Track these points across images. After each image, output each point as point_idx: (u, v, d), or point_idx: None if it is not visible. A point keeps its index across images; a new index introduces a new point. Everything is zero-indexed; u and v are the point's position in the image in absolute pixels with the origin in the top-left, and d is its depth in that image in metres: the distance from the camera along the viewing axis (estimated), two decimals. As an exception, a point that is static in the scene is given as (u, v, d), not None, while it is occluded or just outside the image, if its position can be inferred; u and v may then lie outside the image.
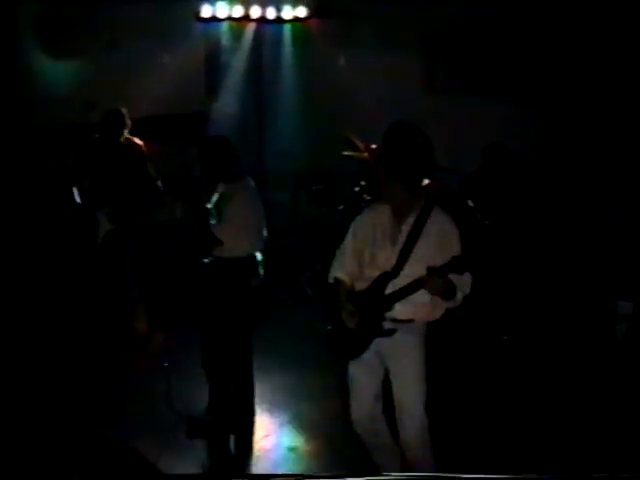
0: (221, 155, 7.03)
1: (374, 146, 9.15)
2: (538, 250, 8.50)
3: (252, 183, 7.15)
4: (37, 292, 8.94)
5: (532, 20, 9.24)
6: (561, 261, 8.70)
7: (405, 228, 5.60)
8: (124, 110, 8.33)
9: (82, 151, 8.47)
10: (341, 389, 6.20)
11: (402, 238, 5.60)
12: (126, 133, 8.34)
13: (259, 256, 7.14)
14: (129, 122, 8.33)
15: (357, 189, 9.42)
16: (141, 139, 8.47)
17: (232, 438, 7.11)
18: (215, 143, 7.16)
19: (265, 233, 7.18)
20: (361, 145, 9.43)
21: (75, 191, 8.29)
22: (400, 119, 7.26)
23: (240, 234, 6.93)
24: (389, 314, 5.61)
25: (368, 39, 10.61)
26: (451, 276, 5.39)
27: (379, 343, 5.69)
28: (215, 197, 7.07)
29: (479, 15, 9.47)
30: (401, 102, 9.86)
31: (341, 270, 5.87)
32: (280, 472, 6.55)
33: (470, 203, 8.39)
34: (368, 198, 9.08)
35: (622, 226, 8.56)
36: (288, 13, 10.98)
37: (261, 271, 7.16)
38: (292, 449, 6.88)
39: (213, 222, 6.96)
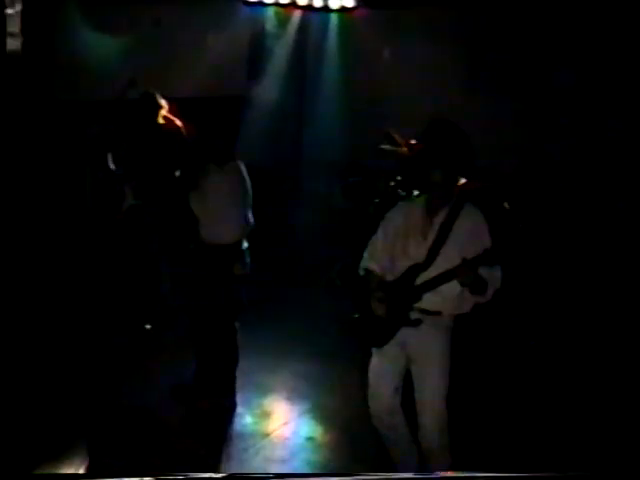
0: (217, 136, 7.00)
1: (413, 141, 9.11)
2: (568, 253, 8.42)
3: (242, 166, 7.09)
4: (57, 263, 8.99)
5: (576, 25, 9.15)
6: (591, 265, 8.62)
7: (437, 221, 5.64)
8: (157, 93, 8.32)
9: (121, 124, 8.50)
10: (361, 381, 6.17)
11: (434, 231, 5.64)
12: (162, 113, 8.33)
13: (245, 244, 7.11)
14: (163, 103, 8.32)
15: (393, 184, 9.38)
16: (182, 120, 8.46)
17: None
18: (218, 121, 7.11)
19: (251, 220, 7.11)
20: (400, 140, 9.39)
21: (110, 157, 8.33)
22: (440, 116, 7.25)
23: (223, 217, 6.89)
24: (417, 304, 5.63)
25: (414, 32, 10.54)
26: (482, 272, 5.40)
27: (405, 334, 5.69)
28: (205, 177, 7.03)
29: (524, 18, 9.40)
30: (442, 98, 9.81)
31: (372, 261, 5.88)
32: (297, 460, 6.54)
33: (506, 205, 8.34)
34: (403, 193, 9.05)
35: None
36: (335, 2, 10.93)
37: (247, 259, 7.12)
38: (309, 438, 6.86)
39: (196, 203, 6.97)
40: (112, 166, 8.33)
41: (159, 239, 8.33)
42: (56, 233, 9.34)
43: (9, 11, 9.36)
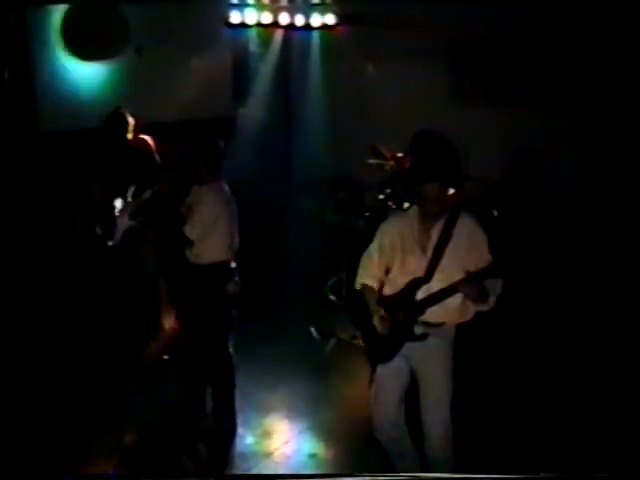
0: (202, 155, 7.02)
1: (400, 154, 9.14)
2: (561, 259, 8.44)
3: (226, 187, 7.11)
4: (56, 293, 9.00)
5: (562, 29, 9.19)
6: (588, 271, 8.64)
7: (434, 233, 5.63)
8: (125, 111, 8.35)
9: (88, 155, 8.55)
10: (361, 396, 6.19)
11: (432, 243, 5.63)
12: (130, 131, 8.35)
13: (233, 264, 7.12)
14: (132, 121, 8.35)
15: (382, 197, 9.40)
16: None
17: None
18: (200, 142, 7.12)
19: (237, 239, 7.14)
20: (387, 153, 9.42)
21: (95, 189, 8.34)
22: (426, 127, 7.28)
23: (210, 237, 6.92)
24: (420, 318, 5.63)
25: (396, 47, 10.56)
26: (485, 281, 5.42)
27: (409, 347, 5.71)
28: (189, 197, 7.05)
29: (507, 24, 9.42)
30: (428, 111, 9.83)
31: (368, 276, 5.88)
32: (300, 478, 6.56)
33: (495, 213, 8.35)
34: (393, 206, 9.07)
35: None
36: (317, 20, 10.97)
37: (236, 278, 7.13)
38: (312, 455, 6.88)
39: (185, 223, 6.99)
40: (97, 189, 8.32)
41: (157, 260, 8.32)
42: (49, 261, 9.34)
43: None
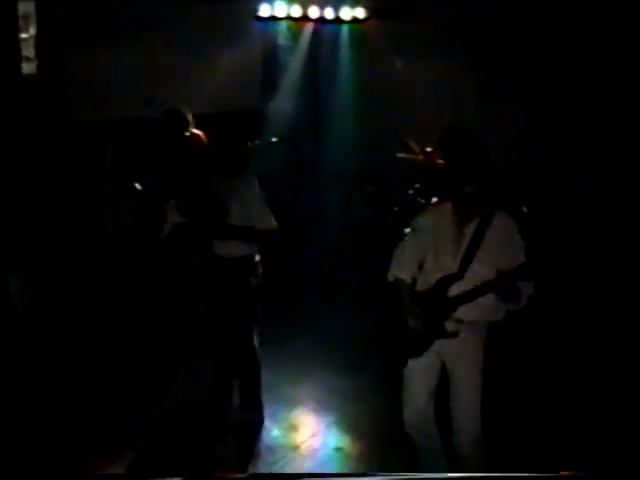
0: (230, 150, 7.00)
1: (429, 149, 9.13)
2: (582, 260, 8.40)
3: (254, 180, 7.03)
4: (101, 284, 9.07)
5: (591, 35, 9.14)
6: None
7: (468, 232, 5.58)
8: (184, 108, 8.35)
9: (143, 147, 8.53)
10: (388, 390, 6.18)
11: (466, 241, 5.58)
12: (190, 129, 8.35)
13: (257, 257, 7.09)
14: (191, 119, 8.34)
15: (411, 192, 9.40)
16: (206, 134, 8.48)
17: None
18: (225, 139, 7.13)
19: (275, 229, 7.00)
20: (416, 148, 9.41)
21: (138, 185, 8.33)
22: (455, 122, 7.26)
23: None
24: (452, 315, 5.61)
25: (426, 42, 10.54)
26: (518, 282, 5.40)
27: (440, 343, 5.68)
28: (219, 194, 7.01)
29: (537, 23, 9.39)
30: (456, 106, 9.81)
31: (401, 270, 5.84)
32: (326, 472, 6.55)
33: (524, 209, 8.35)
34: (422, 201, 9.07)
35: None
36: (346, 13, 10.97)
37: (260, 270, 7.11)
38: (338, 449, 6.86)
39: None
40: (138, 187, 8.32)
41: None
42: (78, 253, 9.40)
43: (24, 35, 9.45)
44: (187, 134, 8.30)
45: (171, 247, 8.29)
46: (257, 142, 7.08)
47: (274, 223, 6.92)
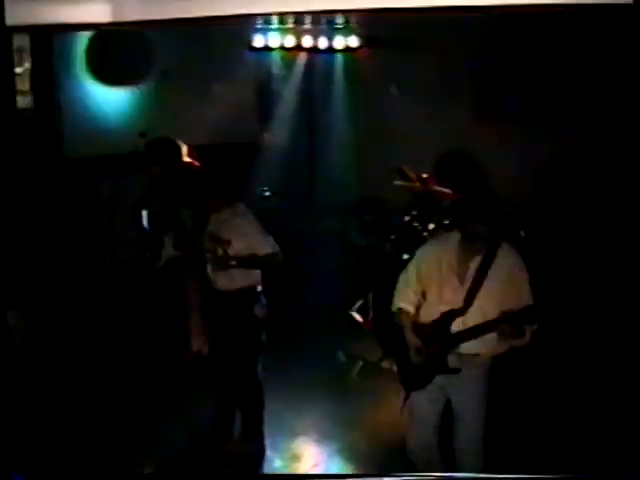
0: (217, 182, 7.01)
1: (426, 175, 9.14)
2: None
3: (246, 210, 7.03)
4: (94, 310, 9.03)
5: (582, 48, 9.17)
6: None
7: (473, 265, 5.55)
8: (175, 137, 8.32)
9: (151, 178, 8.51)
10: (390, 419, 6.16)
11: (470, 275, 5.56)
12: (184, 158, 8.30)
13: (259, 287, 7.07)
14: (184, 147, 8.31)
15: (408, 218, 9.40)
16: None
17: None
18: (213, 170, 7.12)
19: (278, 252, 6.98)
20: (413, 175, 9.42)
21: (144, 214, 8.30)
22: (450, 148, 7.27)
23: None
24: (455, 350, 5.58)
25: (419, 69, 10.58)
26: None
27: (443, 377, 5.66)
28: (211, 227, 7.03)
29: (527, 46, 9.41)
30: (451, 132, 9.83)
31: (405, 301, 5.82)
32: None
33: (522, 233, 8.34)
34: (419, 228, 9.06)
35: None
36: (340, 43, 11.01)
37: (263, 300, 7.10)
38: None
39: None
40: (145, 223, 8.29)
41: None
42: (75, 288, 9.37)
43: (18, 70, 9.46)
44: (180, 162, 8.27)
45: (167, 283, 8.26)
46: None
47: (276, 247, 6.91)
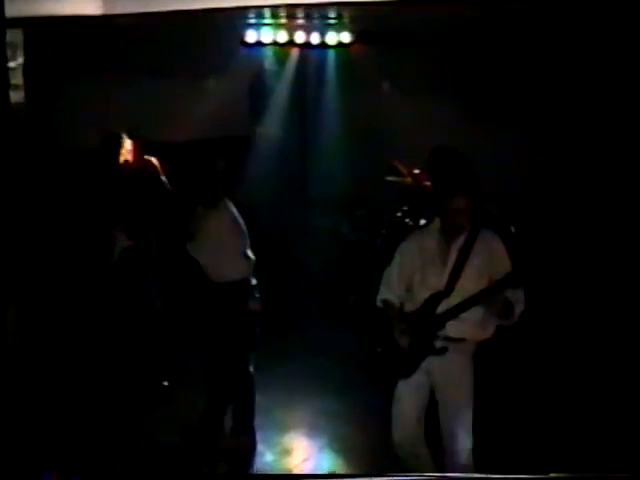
0: (202, 177, 7.01)
1: (417, 171, 9.17)
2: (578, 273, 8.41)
3: (232, 206, 7.05)
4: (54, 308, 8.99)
5: (576, 49, 9.19)
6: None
7: (455, 248, 5.64)
8: (121, 132, 8.31)
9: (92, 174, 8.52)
10: (379, 412, 6.17)
11: (452, 257, 5.65)
12: (124, 153, 8.28)
13: (253, 281, 7.09)
14: (127, 143, 8.29)
15: (399, 214, 9.42)
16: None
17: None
18: (200, 164, 7.14)
19: (252, 256, 7.04)
20: (404, 170, 9.45)
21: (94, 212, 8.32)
22: (442, 144, 7.29)
23: (225, 256, 6.88)
24: (441, 332, 5.64)
25: (412, 65, 10.58)
26: (507, 294, 5.41)
27: (429, 362, 5.72)
28: (194, 218, 7.04)
29: (521, 44, 9.43)
30: (443, 128, 9.84)
31: (389, 293, 5.90)
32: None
33: (512, 229, 8.37)
34: (410, 223, 9.09)
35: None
36: (332, 38, 11.01)
37: (257, 294, 7.10)
38: (331, 472, 6.84)
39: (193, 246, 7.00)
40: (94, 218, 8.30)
41: (157, 280, 8.33)
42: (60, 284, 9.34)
43: (11, 64, 9.46)
44: (123, 159, 8.24)
45: (124, 279, 8.24)
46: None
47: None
